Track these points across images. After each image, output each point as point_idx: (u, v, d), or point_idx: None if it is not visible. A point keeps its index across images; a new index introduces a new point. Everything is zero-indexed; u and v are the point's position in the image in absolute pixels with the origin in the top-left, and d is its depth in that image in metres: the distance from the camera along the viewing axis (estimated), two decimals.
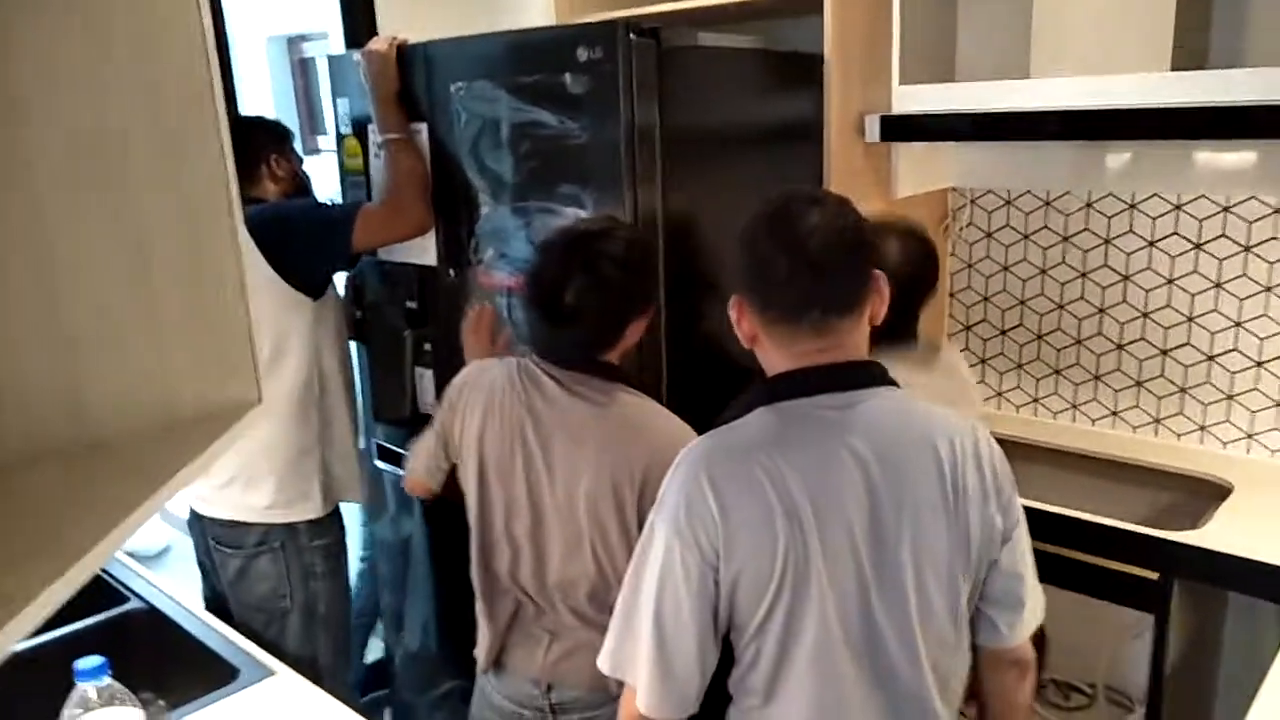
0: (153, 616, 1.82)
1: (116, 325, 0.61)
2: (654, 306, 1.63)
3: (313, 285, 2.01)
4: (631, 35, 1.68)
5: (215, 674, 1.63)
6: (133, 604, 1.85)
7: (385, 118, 2.00)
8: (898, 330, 1.70)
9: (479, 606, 1.71)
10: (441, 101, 2.00)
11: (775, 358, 1.24)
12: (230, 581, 2.07)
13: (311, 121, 4.35)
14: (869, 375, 1.24)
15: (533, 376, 1.59)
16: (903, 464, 1.18)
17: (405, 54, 2.03)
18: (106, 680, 1.26)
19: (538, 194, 1.88)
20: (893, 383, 1.26)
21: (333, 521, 2.15)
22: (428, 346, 2.16)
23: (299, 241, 1.96)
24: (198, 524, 2.11)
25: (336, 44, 2.58)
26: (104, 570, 1.95)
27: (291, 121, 4.36)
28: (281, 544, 2.04)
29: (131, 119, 0.61)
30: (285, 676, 1.60)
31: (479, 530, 1.66)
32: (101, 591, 1.89)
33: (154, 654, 1.77)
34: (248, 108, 4.24)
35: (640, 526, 1.54)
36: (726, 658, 1.22)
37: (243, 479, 2.01)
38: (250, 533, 2.03)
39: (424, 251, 2.10)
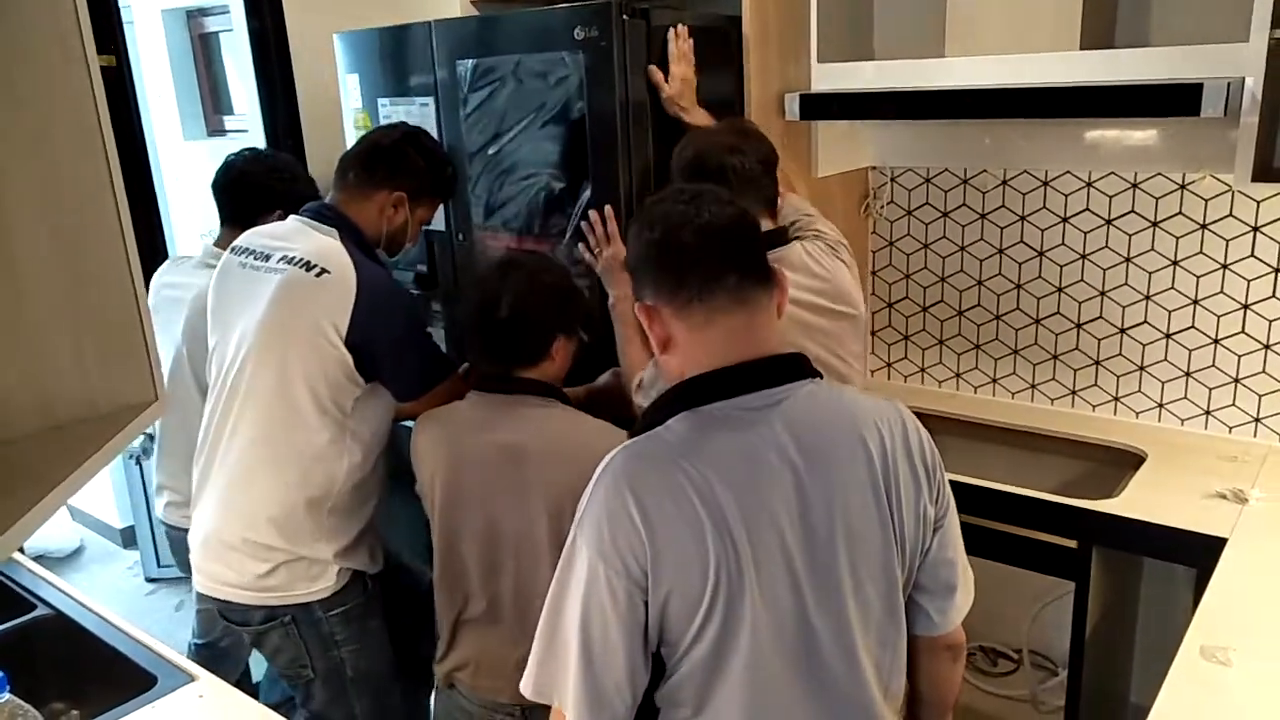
0: (62, 624, 1.75)
1: None
2: (577, 338, 1.74)
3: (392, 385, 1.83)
4: (624, 16, 1.81)
5: (132, 681, 1.57)
6: (40, 611, 1.78)
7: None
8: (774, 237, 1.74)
9: (442, 627, 1.73)
10: (449, 77, 2.13)
11: (694, 354, 1.18)
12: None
13: (215, 100, 4.17)
14: (791, 369, 1.19)
15: (475, 409, 1.69)
16: (832, 461, 1.14)
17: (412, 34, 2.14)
18: (5, 695, 1.20)
19: (541, 165, 2.03)
20: (816, 374, 1.22)
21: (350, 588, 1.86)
22: (436, 307, 2.35)
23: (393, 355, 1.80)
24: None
25: (238, 18, 2.48)
26: (8, 577, 1.87)
27: (193, 101, 4.18)
28: (293, 618, 1.81)
29: None
30: (205, 682, 1.55)
31: (441, 557, 1.71)
32: (5, 600, 1.80)
33: (66, 663, 1.71)
34: (149, 88, 4.05)
35: None
36: (655, 670, 1.16)
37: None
38: (253, 612, 1.81)
39: (435, 219, 2.19)
